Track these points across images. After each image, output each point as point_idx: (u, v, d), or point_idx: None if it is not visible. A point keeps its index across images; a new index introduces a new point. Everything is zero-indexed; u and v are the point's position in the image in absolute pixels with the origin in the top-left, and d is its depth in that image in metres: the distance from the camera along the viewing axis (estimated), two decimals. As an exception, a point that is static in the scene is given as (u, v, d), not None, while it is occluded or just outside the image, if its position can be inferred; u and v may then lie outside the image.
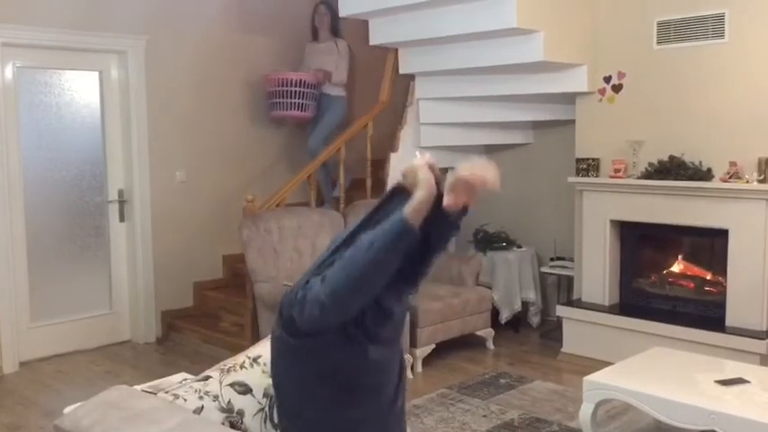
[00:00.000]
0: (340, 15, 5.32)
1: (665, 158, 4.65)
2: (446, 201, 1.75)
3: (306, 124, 6.04)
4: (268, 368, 2.09)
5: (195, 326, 5.42)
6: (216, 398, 2.06)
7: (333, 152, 5.40)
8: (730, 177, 4.39)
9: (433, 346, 4.87)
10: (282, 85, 5.70)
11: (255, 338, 4.18)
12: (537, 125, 5.92)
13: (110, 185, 5.41)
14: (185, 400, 2.06)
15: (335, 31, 5.92)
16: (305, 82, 5.71)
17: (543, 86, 5.08)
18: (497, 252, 5.63)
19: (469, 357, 5.07)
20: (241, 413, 2.07)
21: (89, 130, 5.33)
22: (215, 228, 5.83)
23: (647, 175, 4.73)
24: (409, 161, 1.86)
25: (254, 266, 4.62)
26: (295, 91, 5.67)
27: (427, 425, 3.85)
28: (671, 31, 4.64)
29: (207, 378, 2.15)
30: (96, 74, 5.32)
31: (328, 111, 5.89)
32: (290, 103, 5.69)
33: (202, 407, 2.05)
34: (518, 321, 5.66)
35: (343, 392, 1.88)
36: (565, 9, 4.79)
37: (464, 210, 1.81)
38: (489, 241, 5.72)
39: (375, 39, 5.36)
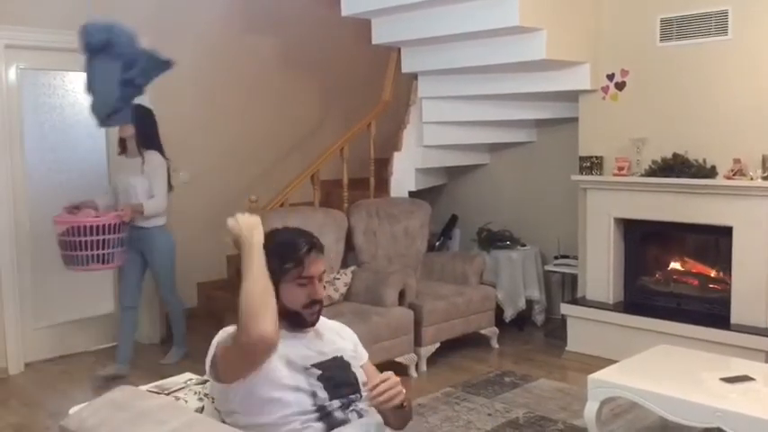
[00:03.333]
0: (342, 14, 5.22)
1: (669, 156, 4.64)
2: None
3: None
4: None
5: (199, 326, 5.41)
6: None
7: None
8: (734, 174, 4.38)
9: (438, 344, 4.88)
10: (75, 235, 4.24)
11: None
12: (540, 123, 5.91)
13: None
14: (186, 401, 2.07)
15: (148, 141, 4.60)
16: (105, 227, 4.30)
17: (546, 85, 5.07)
18: (501, 251, 5.62)
19: (474, 356, 5.07)
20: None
21: (93, 132, 5.32)
22: (219, 228, 5.76)
23: (651, 172, 4.71)
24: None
25: (258, 266, 4.61)
26: (94, 240, 4.26)
27: (432, 423, 3.85)
28: (674, 28, 4.63)
29: (207, 381, 2.16)
30: (99, 75, 5.32)
31: (152, 253, 4.72)
32: (90, 255, 4.28)
33: (203, 408, 2.06)
34: (522, 320, 5.65)
35: None
36: (567, 7, 4.78)
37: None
38: (493, 240, 5.72)
39: (378, 38, 5.35)
